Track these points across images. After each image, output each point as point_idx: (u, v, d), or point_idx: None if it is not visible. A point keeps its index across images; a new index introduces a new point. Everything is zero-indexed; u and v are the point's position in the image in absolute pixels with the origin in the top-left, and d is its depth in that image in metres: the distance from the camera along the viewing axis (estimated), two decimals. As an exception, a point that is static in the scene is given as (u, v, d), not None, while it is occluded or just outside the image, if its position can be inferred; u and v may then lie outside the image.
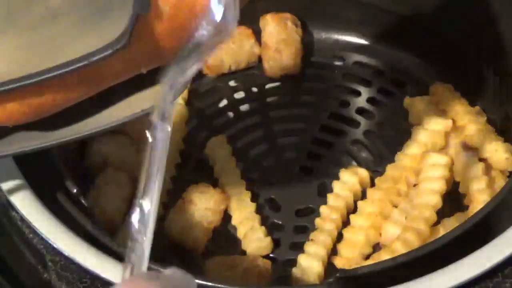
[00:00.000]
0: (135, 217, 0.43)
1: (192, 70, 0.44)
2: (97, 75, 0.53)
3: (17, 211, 0.65)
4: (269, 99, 0.89)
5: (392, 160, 0.80)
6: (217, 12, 0.44)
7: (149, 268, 0.43)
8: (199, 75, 0.88)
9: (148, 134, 0.44)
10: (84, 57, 0.51)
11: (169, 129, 0.44)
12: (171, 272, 0.43)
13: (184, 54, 0.44)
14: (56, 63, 0.51)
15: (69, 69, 0.51)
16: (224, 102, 0.88)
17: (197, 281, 0.44)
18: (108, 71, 0.53)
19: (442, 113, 0.82)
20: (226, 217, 0.77)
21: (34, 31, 0.53)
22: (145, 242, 0.43)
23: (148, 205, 0.43)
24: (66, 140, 0.57)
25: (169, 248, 0.75)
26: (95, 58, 0.50)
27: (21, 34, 0.53)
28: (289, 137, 0.85)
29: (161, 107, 0.44)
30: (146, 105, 0.56)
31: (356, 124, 0.86)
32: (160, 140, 0.44)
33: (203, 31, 0.44)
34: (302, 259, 0.72)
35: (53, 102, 0.54)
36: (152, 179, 0.43)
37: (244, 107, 0.88)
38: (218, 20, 0.44)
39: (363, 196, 0.78)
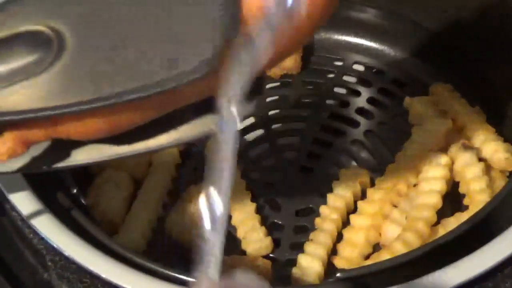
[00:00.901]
0: (206, 223, 0.40)
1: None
2: (177, 95, 0.52)
3: (17, 211, 0.65)
4: (269, 99, 0.89)
5: (392, 160, 0.80)
6: None
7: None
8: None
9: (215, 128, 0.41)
10: (173, 79, 0.49)
11: (238, 119, 0.41)
12: (245, 279, 0.40)
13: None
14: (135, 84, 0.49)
15: (158, 91, 0.49)
16: (224, 102, 0.88)
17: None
18: (188, 92, 0.52)
19: (442, 113, 0.82)
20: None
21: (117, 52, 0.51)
22: (217, 248, 0.40)
23: (220, 208, 0.40)
24: (131, 154, 0.57)
25: (169, 248, 0.75)
26: (184, 81, 0.49)
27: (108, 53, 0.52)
28: (289, 137, 0.85)
29: (228, 93, 0.40)
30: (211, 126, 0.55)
31: (356, 124, 0.86)
32: (229, 130, 0.40)
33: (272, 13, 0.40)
34: (302, 259, 0.72)
35: (129, 121, 0.53)
36: (222, 177, 0.40)
37: (244, 107, 0.88)
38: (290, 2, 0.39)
39: (363, 196, 0.78)
